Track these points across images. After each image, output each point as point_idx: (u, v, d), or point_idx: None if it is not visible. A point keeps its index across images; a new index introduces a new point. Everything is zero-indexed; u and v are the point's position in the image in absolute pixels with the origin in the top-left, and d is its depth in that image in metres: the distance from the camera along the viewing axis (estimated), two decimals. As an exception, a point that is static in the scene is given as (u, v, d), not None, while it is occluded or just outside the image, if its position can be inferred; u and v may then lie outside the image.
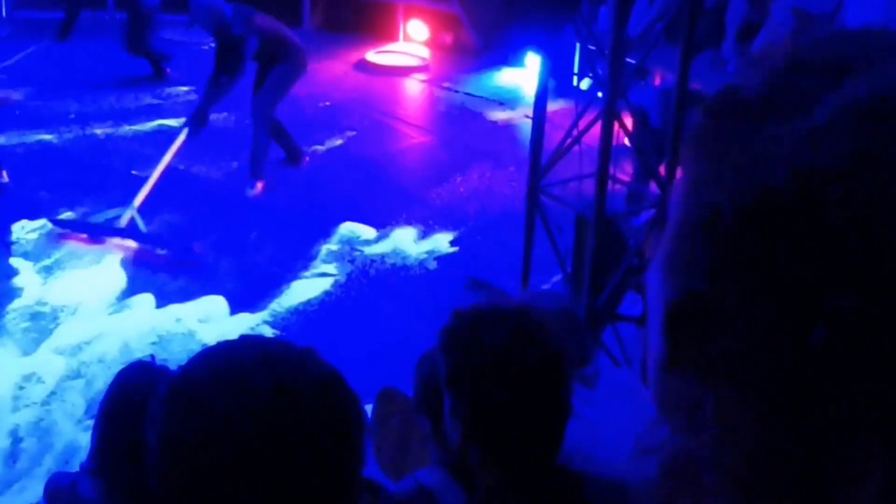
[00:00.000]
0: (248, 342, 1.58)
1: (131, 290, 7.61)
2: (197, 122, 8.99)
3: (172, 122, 10.51)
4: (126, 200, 8.58)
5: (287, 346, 1.56)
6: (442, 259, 8.27)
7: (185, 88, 11.47)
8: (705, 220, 0.63)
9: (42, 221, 8.42)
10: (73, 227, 8.41)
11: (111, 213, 8.54)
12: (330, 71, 12.57)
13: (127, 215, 8.42)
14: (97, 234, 8.32)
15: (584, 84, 9.18)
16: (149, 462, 1.52)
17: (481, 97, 11.99)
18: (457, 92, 12.20)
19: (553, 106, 6.92)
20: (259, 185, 9.27)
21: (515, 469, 2.35)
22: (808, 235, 0.58)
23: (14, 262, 7.89)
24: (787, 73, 0.65)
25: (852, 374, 0.58)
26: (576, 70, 10.71)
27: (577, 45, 9.44)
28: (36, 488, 4.74)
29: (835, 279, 0.57)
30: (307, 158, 9.87)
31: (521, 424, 2.31)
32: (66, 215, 8.57)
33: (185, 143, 8.96)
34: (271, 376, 1.46)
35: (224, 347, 1.55)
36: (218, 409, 1.44)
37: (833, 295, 0.57)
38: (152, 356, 3.30)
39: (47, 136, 10.34)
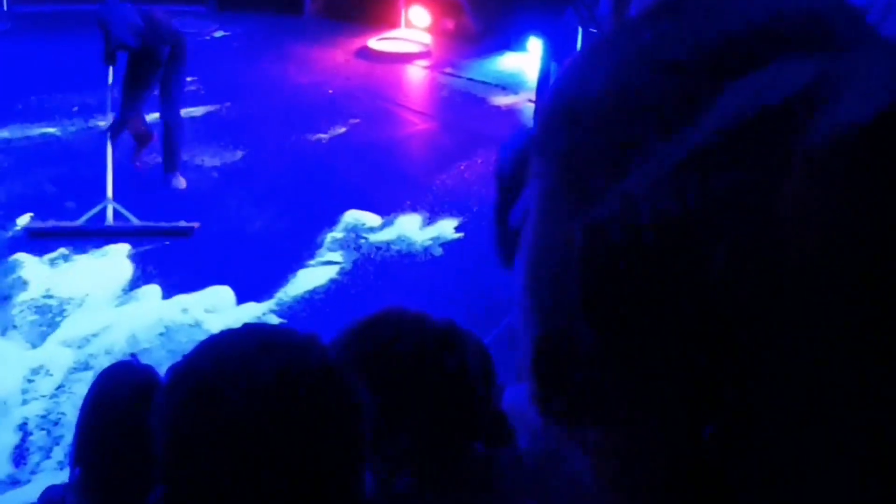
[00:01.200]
0: (250, 330, 1.59)
1: (138, 281, 7.62)
2: (114, 132, 8.89)
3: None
4: (128, 192, 8.58)
5: (290, 332, 1.57)
6: (447, 245, 8.27)
7: (188, 79, 11.45)
8: (554, 267, 0.56)
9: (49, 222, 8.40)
10: (57, 232, 8.23)
11: (94, 210, 8.40)
12: (331, 59, 12.57)
13: (109, 210, 8.35)
14: (83, 235, 8.22)
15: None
16: (155, 454, 1.52)
17: (484, 82, 11.98)
18: (459, 77, 12.19)
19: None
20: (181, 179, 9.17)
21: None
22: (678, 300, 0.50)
23: (20, 255, 7.89)
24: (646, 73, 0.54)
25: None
26: (578, 53, 10.67)
27: (579, 29, 9.42)
28: (45, 482, 4.75)
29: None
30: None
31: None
32: (49, 223, 8.38)
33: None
34: (274, 363, 1.47)
35: (227, 335, 1.56)
36: (222, 396, 1.44)
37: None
38: (133, 355, 3.28)
39: (51, 130, 10.35)
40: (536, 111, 7.60)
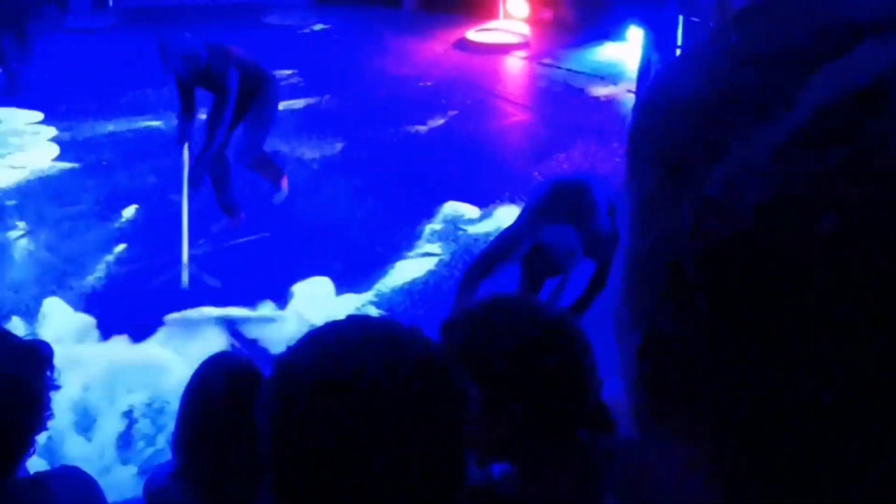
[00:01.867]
0: (355, 322, 1.58)
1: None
2: (197, 176, 8.19)
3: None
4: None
5: (394, 324, 1.56)
6: (546, 237, 8.22)
7: (287, 72, 11.55)
8: (660, 261, 0.56)
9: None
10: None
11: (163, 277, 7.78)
12: (430, 50, 12.59)
13: (185, 275, 7.71)
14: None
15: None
16: (262, 448, 1.53)
17: (583, 73, 11.90)
18: (558, 68, 12.12)
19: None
20: (283, 183, 8.72)
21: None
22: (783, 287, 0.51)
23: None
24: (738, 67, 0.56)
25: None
26: (679, 43, 10.56)
27: (681, 18, 9.31)
28: (148, 468, 4.83)
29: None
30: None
31: None
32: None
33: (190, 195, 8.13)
34: (379, 355, 1.46)
35: (332, 327, 1.55)
36: (329, 387, 1.44)
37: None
38: (233, 346, 3.32)
39: (155, 123, 10.53)
40: (636, 102, 7.51)
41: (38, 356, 2.47)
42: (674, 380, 0.57)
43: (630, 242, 0.60)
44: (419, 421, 1.45)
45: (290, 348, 1.52)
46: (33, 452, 2.46)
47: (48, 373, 2.47)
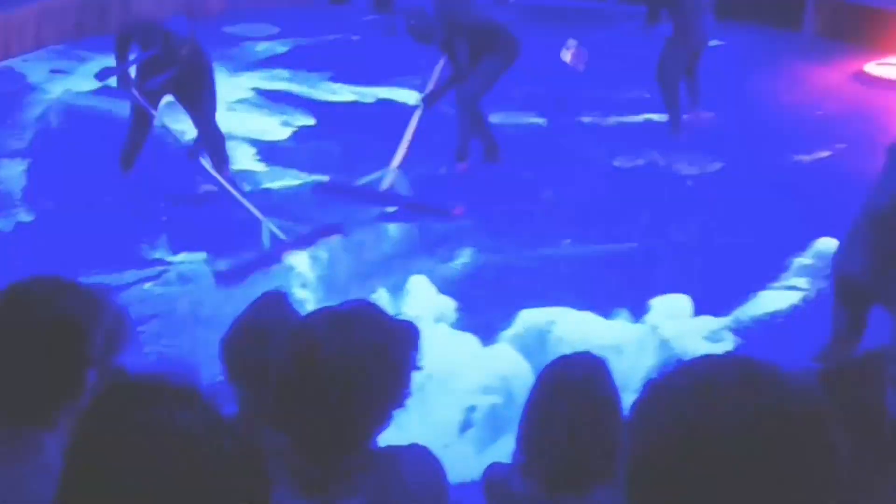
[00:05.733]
0: (736, 360, 1.53)
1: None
2: (429, 101, 9.42)
3: (655, 117, 10.62)
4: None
5: (777, 369, 1.48)
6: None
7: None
8: None
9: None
10: (337, 190, 9.06)
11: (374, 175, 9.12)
12: (825, 78, 12.16)
13: (389, 178, 9.03)
14: (359, 198, 8.89)
15: None
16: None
17: None
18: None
19: None
20: (463, 166, 9.47)
21: None
22: None
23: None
24: None
25: None
26: None
27: None
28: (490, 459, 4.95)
29: None
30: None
31: None
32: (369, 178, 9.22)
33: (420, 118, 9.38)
34: (756, 398, 1.42)
35: (711, 361, 1.51)
36: (694, 423, 1.41)
37: None
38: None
39: (538, 120, 10.77)
40: None
41: (407, 335, 2.58)
42: None
43: None
44: (788, 473, 1.39)
45: (662, 373, 1.50)
46: (388, 426, 2.57)
47: (413, 353, 2.57)
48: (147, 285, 7.58)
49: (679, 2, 10.00)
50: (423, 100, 9.43)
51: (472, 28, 9.20)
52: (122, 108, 9.21)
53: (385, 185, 9.03)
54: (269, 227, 8.16)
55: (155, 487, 1.52)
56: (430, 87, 9.46)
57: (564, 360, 3.31)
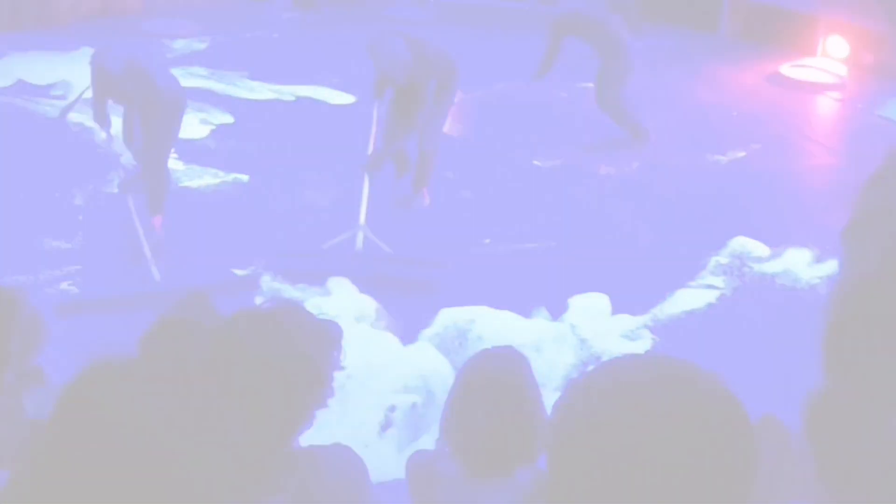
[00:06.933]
0: (654, 360, 1.55)
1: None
2: (373, 166, 8.39)
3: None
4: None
5: (694, 368, 1.52)
6: (835, 286, 7.92)
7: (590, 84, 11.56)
8: None
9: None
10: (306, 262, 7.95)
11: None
12: (741, 80, 12.34)
13: (359, 237, 8.02)
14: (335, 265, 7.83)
15: None
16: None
17: (900, 123, 11.39)
18: (873, 115, 11.64)
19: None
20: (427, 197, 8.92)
21: None
22: None
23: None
24: None
25: None
26: None
27: None
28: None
29: None
30: None
31: None
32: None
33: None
34: (672, 395, 1.44)
35: (629, 361, 1.54)
36: (612, 419, 1.43)
37: None
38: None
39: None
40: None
41: (329, 335, 2.58)
42: None
43: None
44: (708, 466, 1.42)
45: (585, 373, 1.52)
46: (309, 426, 2.58)
47: (335, 353, 2.58)
48: (63, 285, 7.48)
49: (602, 32, 10.03)
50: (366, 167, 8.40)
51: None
52: (37, 106, 9.07)
53: (359, 244, 8.03)
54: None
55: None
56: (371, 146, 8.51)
57: (486, 352, 3.40)
